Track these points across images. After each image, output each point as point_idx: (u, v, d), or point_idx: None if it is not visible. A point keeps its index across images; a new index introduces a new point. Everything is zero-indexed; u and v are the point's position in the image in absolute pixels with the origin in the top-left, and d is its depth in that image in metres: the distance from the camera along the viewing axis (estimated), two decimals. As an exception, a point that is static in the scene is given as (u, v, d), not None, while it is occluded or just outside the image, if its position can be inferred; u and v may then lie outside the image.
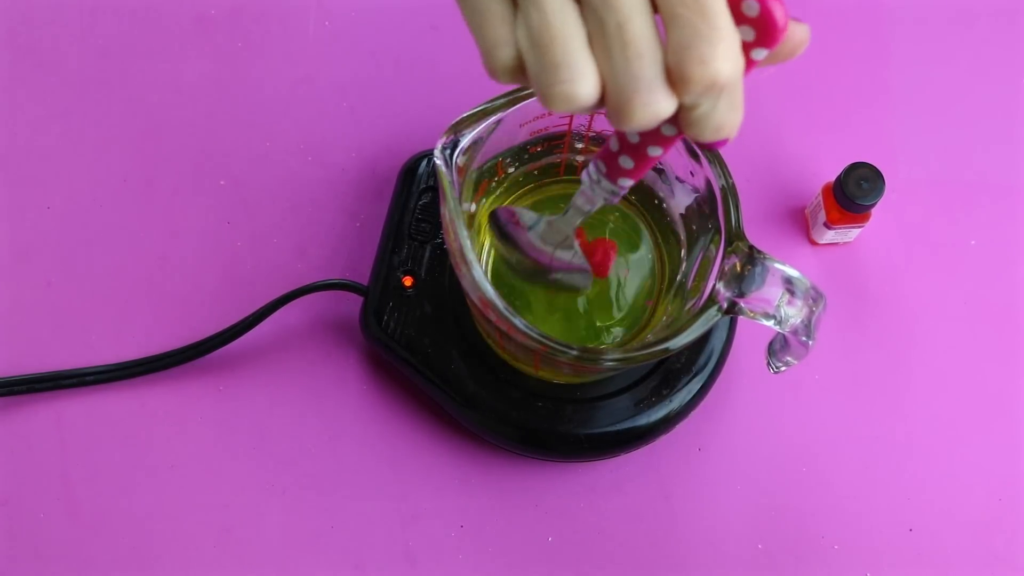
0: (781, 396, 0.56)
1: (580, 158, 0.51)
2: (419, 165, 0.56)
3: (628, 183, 0.40)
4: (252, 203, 0.59)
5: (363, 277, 0.56)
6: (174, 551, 0.54)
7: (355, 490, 0.55)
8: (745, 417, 0.56)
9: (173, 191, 0.59)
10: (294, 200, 0.59)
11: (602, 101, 0.31)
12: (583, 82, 0.30)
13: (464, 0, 0.31)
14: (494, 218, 0.48)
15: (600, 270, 0.51)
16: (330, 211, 0.59)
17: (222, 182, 0.59)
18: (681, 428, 0.54)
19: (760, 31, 0.30)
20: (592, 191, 0.41)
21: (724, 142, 0.33)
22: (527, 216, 0.47)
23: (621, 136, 0.37)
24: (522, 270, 0.48)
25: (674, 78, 0.30)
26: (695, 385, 0.53)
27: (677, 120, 0.32)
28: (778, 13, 0.30)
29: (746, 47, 0.31)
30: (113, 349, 0.56)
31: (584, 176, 0.42)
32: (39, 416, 0.55)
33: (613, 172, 0.39)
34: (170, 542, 0.54)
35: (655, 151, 0.37)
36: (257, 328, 0.55)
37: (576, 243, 0.47)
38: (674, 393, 0.53)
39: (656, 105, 0.30)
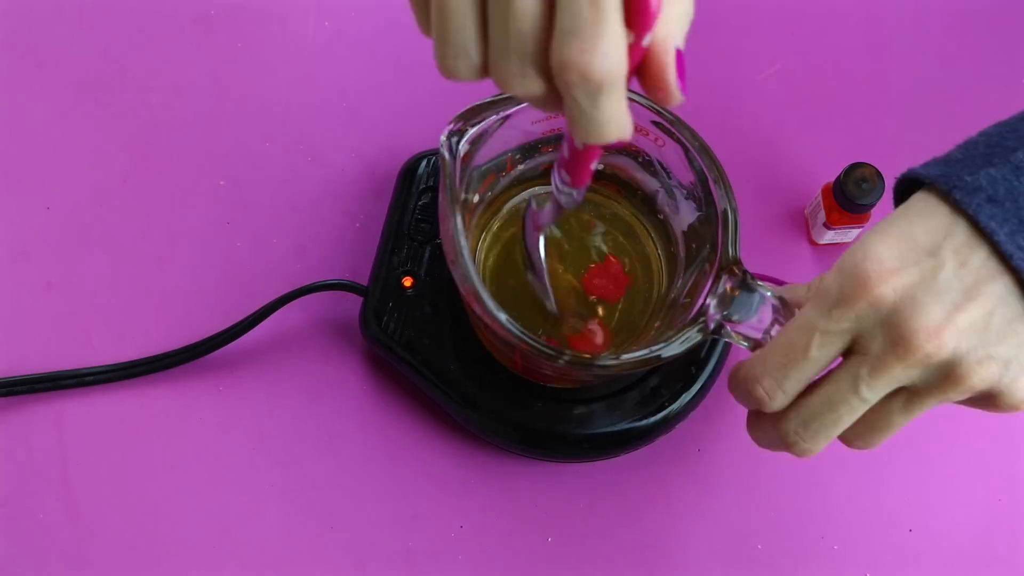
0: (781, 396, 0.56)
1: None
2: (419, 165, 0.56)
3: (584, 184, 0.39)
4: (251, 203, 0.59)
5: (363, 277, 0.56)
6: (174, 551, 0.54)
7: (355, 490, 0.55)
8: (744, 417, 0.56)
9: (173, 191, 0.59)
10: (293, 200, 0.59)
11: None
12: (467, 58, 0.32)
13: None
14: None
15: (615, 291, 0.51)
16: (330, 211, 0.59)
17: (222, 182, 0.59)
18: (681, 429, 0.54)
19: (632, 11, 0.30)
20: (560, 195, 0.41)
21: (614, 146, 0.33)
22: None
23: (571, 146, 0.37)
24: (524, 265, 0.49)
25: (554, 63, 0.30)
26: (695, 386, 0.53)
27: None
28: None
29: None
30: (113, 349, 0.56)
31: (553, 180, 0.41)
32: (39, 416, 0.55)
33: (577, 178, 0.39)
34: (170, 542, 0.54)
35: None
36: (257, 328, 0.55)
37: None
38: (673, 394, 0.53)
39: (528, 82, 0.31)
